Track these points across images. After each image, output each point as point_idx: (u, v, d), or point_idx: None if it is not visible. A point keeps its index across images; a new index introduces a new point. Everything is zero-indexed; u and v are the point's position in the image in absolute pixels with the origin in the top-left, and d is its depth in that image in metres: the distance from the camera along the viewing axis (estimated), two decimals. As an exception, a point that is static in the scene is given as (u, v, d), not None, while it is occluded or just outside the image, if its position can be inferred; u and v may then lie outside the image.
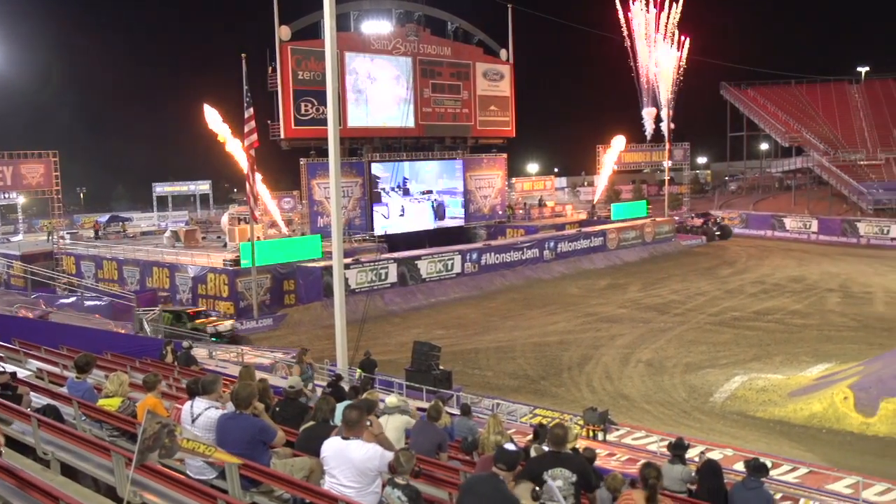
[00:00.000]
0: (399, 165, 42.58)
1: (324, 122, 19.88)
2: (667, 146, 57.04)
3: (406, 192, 42.67)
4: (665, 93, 58.17)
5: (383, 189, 41.84)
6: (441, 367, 19.44)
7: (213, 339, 25.61)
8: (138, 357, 15.34)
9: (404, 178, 42.42)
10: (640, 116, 60.40)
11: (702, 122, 69.48)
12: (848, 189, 56.35)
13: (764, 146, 72.85)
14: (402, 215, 42.24)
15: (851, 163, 58.83)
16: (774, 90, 69.22)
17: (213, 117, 36.36)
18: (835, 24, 78.23)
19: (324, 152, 21.29)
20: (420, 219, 43.73)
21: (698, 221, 54.62)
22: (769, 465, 12.01)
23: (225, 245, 37.38)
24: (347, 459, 6.06)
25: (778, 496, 11.51)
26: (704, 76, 66.19)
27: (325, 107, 19.25)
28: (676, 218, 55.18)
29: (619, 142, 56.22)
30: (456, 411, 13.86)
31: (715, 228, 53.82)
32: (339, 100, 34.93)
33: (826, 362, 22.03)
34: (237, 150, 35.26)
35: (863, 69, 69.79)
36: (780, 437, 17.04)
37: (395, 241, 39.95)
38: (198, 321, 26.71)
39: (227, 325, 26.88)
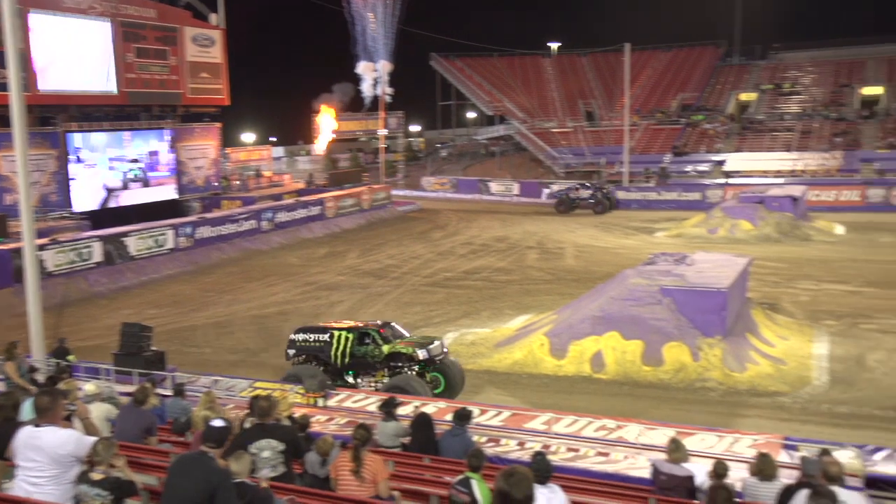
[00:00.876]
0: (70, 135, 38.84)
1: (5, 87, 17.88)
2: (381, 115, 58.47)
3: (78, 160, 39.13)
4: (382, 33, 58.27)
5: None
6: (154, 348, 18.54)
7: (421, 367, 16.87)
8: None
9: (76, 148, 38.87)
10: (357, 79, 60.66)
11: (414, 91, 72.08)
12: (543, 154, 62.01)
13: (471, 115, 77.59)
14: (73, 179, 38.56)
15: (546, 130, 64.71)
16: (479, 62, 73.61)
17: None
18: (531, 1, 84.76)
19: (8, 121, 19.19)
20: (91, 187, 40.15)
21: (586, 193, 48.28)
22: (476, 412, 13.09)
23: None
24: (38, 447, 5.69)
25: (483, 439, 12.55)
26: (416, 47, 68.83)
27: (7, 70, 17.39)
28: (556, 188, 50.92)
29: (344, 89, 55.78)
30: (170, 392, 13.42)
31: (606, 200, 47.80)
32: (26, 63, 31.45)
33: (526, 314, 24.11)
34: None
35: (554, 44, 76.56)
36: (488, 386, 18.50)
37: (101, 218, 36.99)
38: (399, 344, 17.23)
39: (436, 345, 17.34)
